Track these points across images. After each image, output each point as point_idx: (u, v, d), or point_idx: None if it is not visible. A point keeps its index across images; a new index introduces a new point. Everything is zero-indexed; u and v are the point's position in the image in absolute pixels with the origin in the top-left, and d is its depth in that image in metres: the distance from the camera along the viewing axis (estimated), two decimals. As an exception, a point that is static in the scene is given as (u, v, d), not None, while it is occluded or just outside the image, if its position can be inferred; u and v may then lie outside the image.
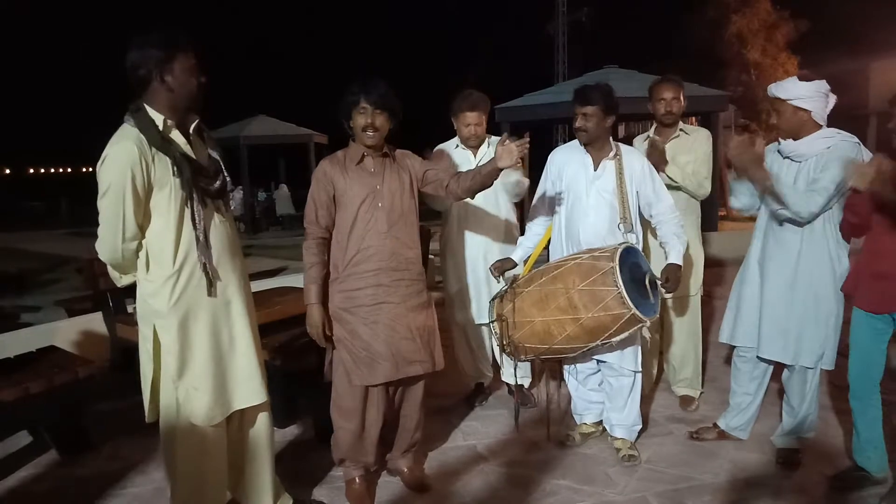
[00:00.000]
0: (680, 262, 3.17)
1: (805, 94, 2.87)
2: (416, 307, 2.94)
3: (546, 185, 3.40)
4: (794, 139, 2.95)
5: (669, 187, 3.50)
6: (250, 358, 2.59)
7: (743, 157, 2.85)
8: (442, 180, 3.00)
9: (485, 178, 2.90)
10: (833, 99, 2.93)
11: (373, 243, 2.84)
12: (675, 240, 3.20)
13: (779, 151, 3.04)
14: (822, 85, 2.88)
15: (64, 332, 4.89)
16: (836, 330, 2.99)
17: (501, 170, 2.82)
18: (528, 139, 2.78)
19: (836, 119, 2.98)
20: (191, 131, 2.49)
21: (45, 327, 5.17)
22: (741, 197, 3.18)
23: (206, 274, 2.44)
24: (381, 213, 2.86)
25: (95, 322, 4.92)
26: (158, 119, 2.36)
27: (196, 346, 2.46)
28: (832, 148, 2.85)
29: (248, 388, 2.59)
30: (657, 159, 3.61)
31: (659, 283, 3.05)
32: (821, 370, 3.07)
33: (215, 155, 2.57)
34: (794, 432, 3.21)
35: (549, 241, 3.48)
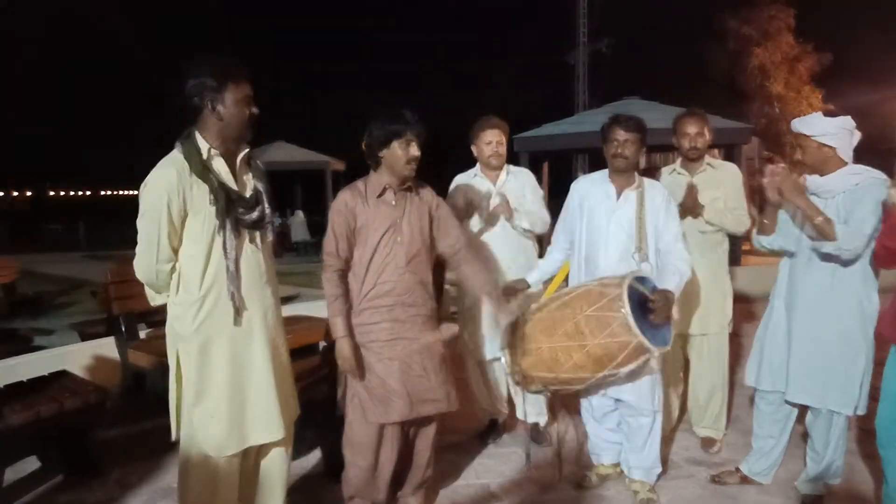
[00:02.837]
0: (673, 290, 2.97)
1: (830, 130, 2.81)
2: (431, 344, 2.91)
3: (567, 213, 3.37)
4: (820, 175, 2.89)
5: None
6: (268, 392, 2.57)
7: (785, 187, 2.78)
8: (443, 243, 3.01)
9: (474, 287, 3.10)
10: (858, 135, 2.88)
11: (390, 278, 2.81)
12: (674, 269, 3.06)
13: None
14: (847, 121, 2.83)
15: (76, 357, 4.87)
16: (867, 372, 2.89)
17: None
18: None
19: (861, 153, 2.93)
20: (238, 161, 2.53)
21: (57, 351, 5.17)
22: (777, 238, 3.08)
23: (233, 303, 2.47)
24: (400, 247, 2.82)
25: (107, 347, 4.91)
26: (204, 147, 2.43)
27: (215, 373, 2.48)
28: (860, 185, 2.78)
29: (266, 424, 2.57)
30: (693, 204, 3.57)
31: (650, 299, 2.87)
32: (846, 414, 2.96)
33: (260, 186, 2.60)
34: (818, 478, 3.10)
35: (569, 273, 3.42)
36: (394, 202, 2.86)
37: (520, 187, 3.84)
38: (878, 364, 2.83)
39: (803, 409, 3.09)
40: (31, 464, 3.67)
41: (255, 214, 2.54)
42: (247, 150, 2.57)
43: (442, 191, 3.93)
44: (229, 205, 2.44)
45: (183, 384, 2.50)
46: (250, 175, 2.61)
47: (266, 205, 2.60)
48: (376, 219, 2.81)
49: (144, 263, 2.45)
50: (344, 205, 2.83)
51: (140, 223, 2.41)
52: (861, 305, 2.86)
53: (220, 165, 2.47)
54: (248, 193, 2.55)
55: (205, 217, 2.41)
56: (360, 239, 2.83)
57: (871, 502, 3.14)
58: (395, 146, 2.78)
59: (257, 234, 2.58)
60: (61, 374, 3.88)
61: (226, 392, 2.49)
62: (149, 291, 2.58)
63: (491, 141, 3.75)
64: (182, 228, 2.42)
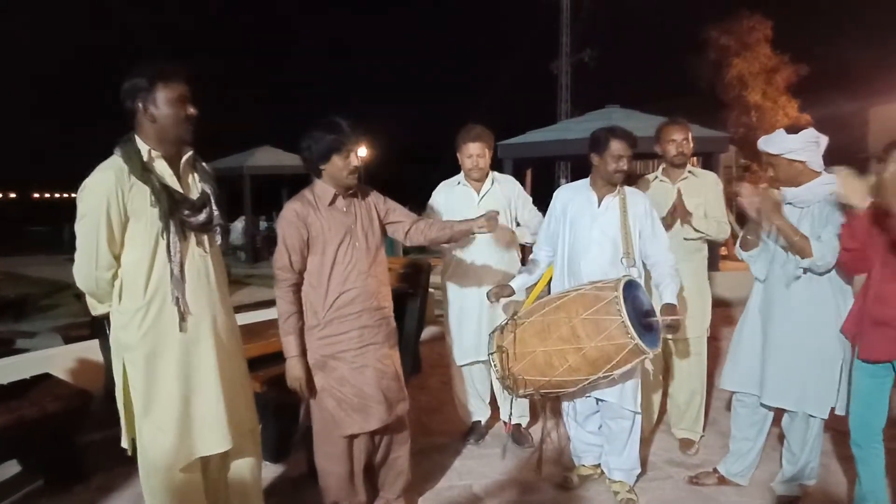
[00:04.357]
0: (675, 302, 3.13)
1: (795, 146, 2.86)
2: (394, 345, 2.96)
3: (551, 221, 3.42)
4: (795, 188, 2.95)
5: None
6: (216, 401, 2.47)
7: (764, 207, 2.84)
8: (402, 224, 3.03)
9: (456, 234, 3.04)
10: (824, 140, 2.92)
11: (356, 285, 2.79)
12: (669, 280, 3.18)
13: None
14: (810, 134, 2.87)
15: (59, 360, 4.83)
16: (844, 374, 2.94)
17: (473, 233, 3.04)
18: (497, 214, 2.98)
19: (835, 162, 2.96)
20: (182, 162, 2.47)
21: (39, 354, 5.13)
22: (759, 262, 3.14)
23: (178, 308, 2.39)
24: (360, 252, 2.82)
25: (91, 350, 4.87)
26: (144, 149, 2.36)
27: (162, 383, 2.39)
28: (835, 194, 2.84)
29: (213, 435, 2.46)
30: (682, 213, 3.66)
31: (659, 320, 3.00)
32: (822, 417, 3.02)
33: (206, 188, 2.53)
34: (794, 479, 3.16)
35: (551, 279, 3.47)
36: (345, 208, 2.84)
37: (505, 196, 3.87)
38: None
39: (779, 412, 3.15)
40: (12, 468, 3.65)
41: (202, 217, 2.46)
42: (190, 152, 2.49)
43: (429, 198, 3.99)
44: (173, 206, 2.36)
45: (131, 395, 2.41)
46: (196, 177, 2.53)
47: (214, 207, 2.52)
48: (332, 227, 2.78)
49: (83, 270, 2.35)
50: (295, 215, 2.77)
51: (78, 228, 2.32)
52: (839, 312, 2.91)
53: (162, 167, 2.39)
54: (194, 196, 2.48)
55: (147, 220, 2.33)
56: (315, 249, 2.78)
57: (845, 502, 3.19)
58: (336, 159, 2.76)
59: (205, 237, 2.50)
60: (44, 378, 3.87)
61: (174, 402, 2.39)
62: (90, 301, 2.49)
63: (472, 154, 3.76)
64: (123, 234, 2.33)
